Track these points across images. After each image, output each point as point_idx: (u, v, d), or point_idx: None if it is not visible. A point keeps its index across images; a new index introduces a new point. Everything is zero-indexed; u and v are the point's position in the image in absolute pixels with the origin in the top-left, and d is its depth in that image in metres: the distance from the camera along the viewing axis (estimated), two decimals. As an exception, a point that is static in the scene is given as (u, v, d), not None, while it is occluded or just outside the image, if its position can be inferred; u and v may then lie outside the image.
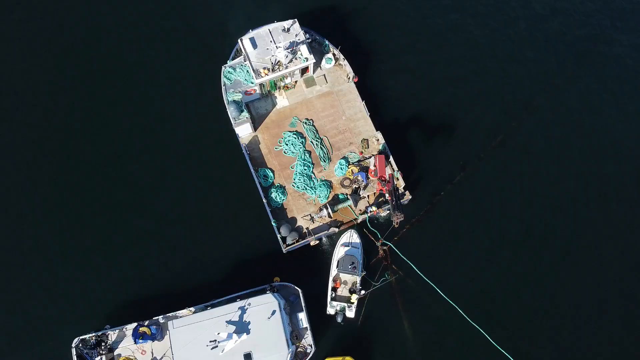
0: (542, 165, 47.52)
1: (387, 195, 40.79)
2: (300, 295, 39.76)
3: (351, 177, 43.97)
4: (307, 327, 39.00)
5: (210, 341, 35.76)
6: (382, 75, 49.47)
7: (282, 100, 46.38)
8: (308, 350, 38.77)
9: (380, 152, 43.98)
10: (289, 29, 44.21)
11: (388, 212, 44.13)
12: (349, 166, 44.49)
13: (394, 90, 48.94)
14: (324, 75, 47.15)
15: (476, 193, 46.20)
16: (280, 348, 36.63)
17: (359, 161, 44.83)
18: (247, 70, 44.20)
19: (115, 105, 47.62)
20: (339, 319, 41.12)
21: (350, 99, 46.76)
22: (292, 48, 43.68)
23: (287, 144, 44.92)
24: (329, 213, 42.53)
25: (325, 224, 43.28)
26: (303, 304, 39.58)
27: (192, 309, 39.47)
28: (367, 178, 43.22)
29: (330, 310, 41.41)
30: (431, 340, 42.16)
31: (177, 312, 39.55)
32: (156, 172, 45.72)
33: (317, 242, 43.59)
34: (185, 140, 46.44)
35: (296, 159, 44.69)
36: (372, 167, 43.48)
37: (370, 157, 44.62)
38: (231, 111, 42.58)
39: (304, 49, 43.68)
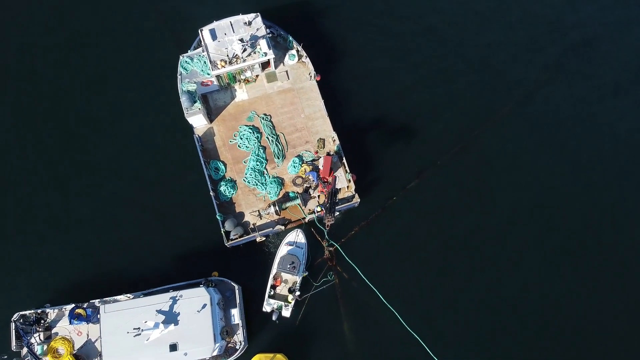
0: (499, 176, 46.69)
1: (324, 196, 40.77)
2: (236, 291, 39.93)
3: (303, 176, 43.81)
4: (239, 324, 39.24)
5: (134, 328, 36.27)
6: (346, 75, 48.86)
7: (241, 93, 46.23)
8: (237, 346, 39.02)
9: (329, 154, 43.60)
10: (250, 23, 43.89)
11: (338, 212, 44.12)
12: (302, 165, 44.29)
13: (357, 91, 48.40)
14: (287, 71, 46.81)
15: (428, 200, 45.64)
16: (207, 341, 36.93)
17: (312, 160, 44.63)
18: (205, 61, 44.09)
19: (70, 89, 47.95)
20: (274, 317, 41.27)
21: (311, 97, 46.40)
22: (252, 42, 43.42)
23: (242, 138, 44.85)
24: (276, 210, 42.50)
25: (273, 221, 43.26)
26: (238, 301, 39.76)
27: (131, 295, 39.96)
28: (319, 178, 43.03)
29: (267, 308, 41.52)
30: (367, 344, 42.09)
31: (116, 297, 40.15)
32: (106, 156, 46.09)
33: (264, 238, 43.66)
34: (139, 127, 46.62)
35: (250, 153, 44.64)
36: (321, 168, 43.29)
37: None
38: (183, 101, 42.58)
39: (263, 44, 43.36)
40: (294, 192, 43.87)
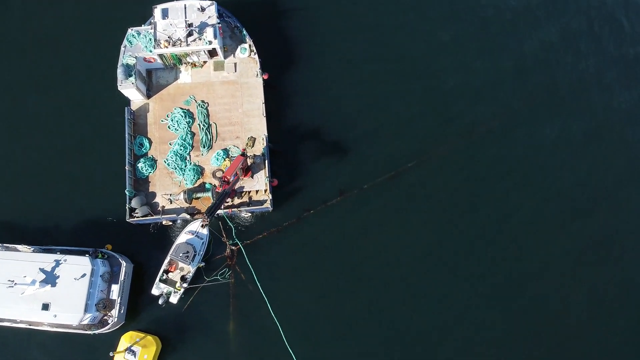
0: (419, 211, 45.47)
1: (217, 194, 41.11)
2: (123, 268, 40.27)
3: (224, 170, 43.69)
4: (116, 300, 39.59)
5: (9, 280, 37.03)
6: (297, 81, 48.01)
7: (185, 75, 46.17)
8: (109, 320, 39.42)
9: (244, 154, 43.12)
10: (204, 9, 43.77)
11: (250, 214, 43.92)
12: (226, 159, 44.15)
13: (303, 99, 47.48)
14: (235, 63, 46.57)
15: (344, 221, 44.90)
16: (77, 309, 37.45)
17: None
18: (150, 38, 44.25)
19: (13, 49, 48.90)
20: (161, 301, 41.41)
21: (254, 94, 45.97)
22: (200, 28, 43.35)
23: (172, 120, 44.90)
24: (186, 199, 42.51)
25: (182, 208, 43.38)
26: (121, 278, 40.08)
27: (31, 248, 40.75)
28: (236, 175, 42.83)
29: (155, 291, 41.67)
30: (245, 349, 41.83)
31: (17, 245, 40.95)
32: (35, 111, 46.86)
33: (170, 223, 43.82)
34: (74, 89, 47.13)
35: (177, 137, 44.78)
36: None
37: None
38: (118, 73, 42.84)
39: (210, 32, 43.16)
40: (211, 184, 43.83)
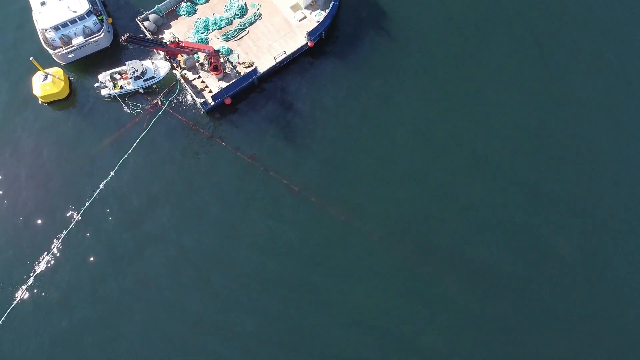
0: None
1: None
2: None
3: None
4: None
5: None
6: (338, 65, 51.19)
7: (272, -9, 52.67)
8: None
9: (217, 51, 48.33)
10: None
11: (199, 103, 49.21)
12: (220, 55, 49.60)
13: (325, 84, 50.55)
14: (305, 17, 51.24)
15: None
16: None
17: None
18: None
19: None
20: (95, 85, 49.85)
21: (290, 47, 50.18)
22: None
23: (231, 5, 51.84)
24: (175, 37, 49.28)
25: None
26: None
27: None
28: (189, 51, 47.61)
29: (101, 77, 49.86)
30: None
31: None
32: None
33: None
34: None
35: (219, 15, 51.54)
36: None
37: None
38: None
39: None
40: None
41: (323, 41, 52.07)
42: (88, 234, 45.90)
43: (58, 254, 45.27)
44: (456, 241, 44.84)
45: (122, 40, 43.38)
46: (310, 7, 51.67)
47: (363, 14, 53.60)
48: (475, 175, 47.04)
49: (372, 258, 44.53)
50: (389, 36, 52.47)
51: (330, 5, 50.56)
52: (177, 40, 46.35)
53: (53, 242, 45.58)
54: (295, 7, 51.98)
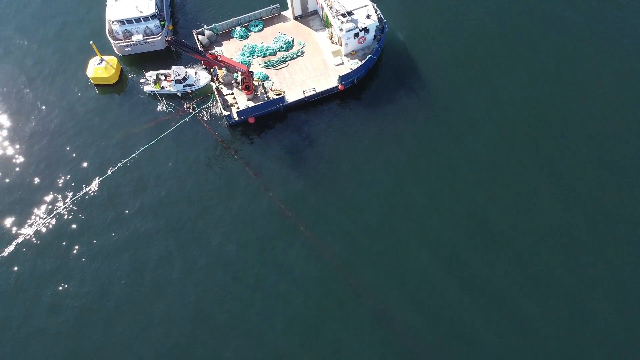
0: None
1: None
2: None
3: (256, 82, 53.78)
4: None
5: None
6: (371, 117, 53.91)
7: (320, 34, 56.83)
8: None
9: (250, 72, 51.58)
10: (369, 16, 52.09)
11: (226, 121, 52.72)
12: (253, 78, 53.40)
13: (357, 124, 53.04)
14: (342, 63, 54.46)
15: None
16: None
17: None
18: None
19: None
20: (142, 80, 54.75)
21: (325, 89, 53.65)
22: (365, 28, 53.10)
23: (280, 39, 56.36)
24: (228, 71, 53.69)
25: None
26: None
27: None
28: (224, 64, 51.30)
29: (148, 76, 54.82)
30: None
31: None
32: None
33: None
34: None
35: (267, 45, 55.95)
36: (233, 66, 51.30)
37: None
38: None
39: (370, 36, 51.61)
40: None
41: (355, 88, 55.11)
42: (100, 199, 49.88)
43: (68, 210, 49.35)
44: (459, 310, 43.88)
45: (166, 41, 48.02)
46: (350, 55, 55.06)
47: (402, 72, 56.16)
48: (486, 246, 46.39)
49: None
50: (419, 97, 54.43)
51: (367, 57, 53.90)
52: (216, 53, 50.60)
53: (67, 198, 49.83)
54: (336, 53, 55.59)
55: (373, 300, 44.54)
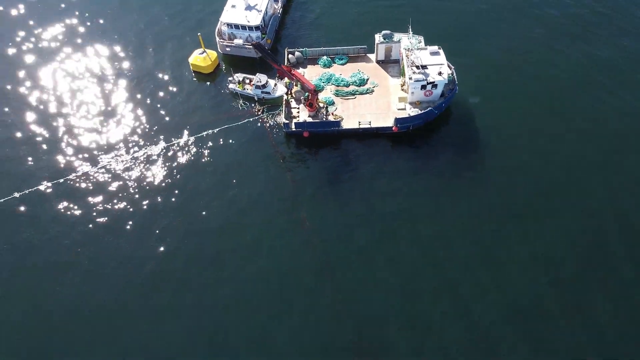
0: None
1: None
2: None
3: (322, 104, 58.98)
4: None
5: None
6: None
7: (393, 79, 61.04)
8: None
9: (316, 90, 57.49)
10: (441, 74, 55.25)
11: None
12: (320, 101, 58.86)
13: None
14: (410, 114, 57.54)
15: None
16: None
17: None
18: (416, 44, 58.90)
19: None
20: (230, 78, 62.71)
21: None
22: (434, 84, 56.27)
23: (358, 75, 61.55)
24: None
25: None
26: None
27: None
28: (296, 77, 56.76)
29: (237, 76, 62.50)
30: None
31: None
32: None
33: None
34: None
35: (345, 77, 61.44)
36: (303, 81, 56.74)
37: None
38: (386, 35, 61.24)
39: (438, 90, 55.08)
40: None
41: (410, 135, 58.02)
42: (141, 165, 57.01)
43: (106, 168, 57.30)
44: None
45: (252, 44, 55.69)
46: (414, 104, 58.27)
47: (462, 134, 58.54)
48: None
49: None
50: (470, 161, 56.24)
51: (427, 109, 56.73)
52: (291, 66, 56.76)
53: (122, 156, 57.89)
54: (402, 99, 59.26)
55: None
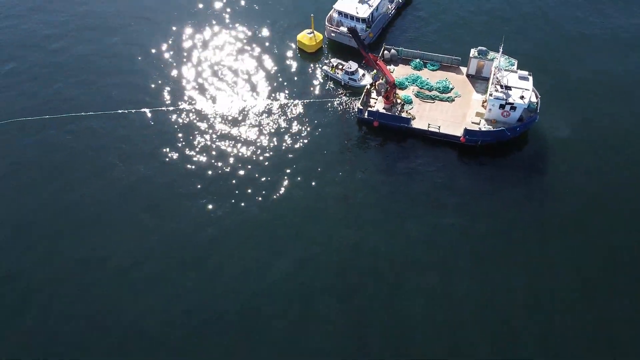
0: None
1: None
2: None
3: (399, 99, 61.71)
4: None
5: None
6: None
7: (475, 93, 61.18)
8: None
9: (394, 85, 59.81)
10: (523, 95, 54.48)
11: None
12: (399, 99, 61.33)
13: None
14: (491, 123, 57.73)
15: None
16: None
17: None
18: (508, 65, 58.49)
19: None
20: (326, 60, 67.90)
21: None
22: (519, 109, 55.68)
23: (444, 82, 63.01)
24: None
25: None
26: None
27: None
28: (380, 67, 59.35)
29: (332, 61, 67.12)
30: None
31: None
32: None
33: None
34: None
35: (430, 81, 63.27)
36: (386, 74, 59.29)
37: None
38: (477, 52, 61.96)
39: (518, 111, 54.93)
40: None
41: (477, 150, 58.09)
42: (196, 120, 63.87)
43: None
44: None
45: (348, 28, 59.90)
46: (490, 122, 58.00)
47: (534, 163, 57.35)
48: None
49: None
50: (532, 192, 54.97)
51: (499, 129, 56.17)
52: (377, 56, 59.93)
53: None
54: (479, 114, 59.40)
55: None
